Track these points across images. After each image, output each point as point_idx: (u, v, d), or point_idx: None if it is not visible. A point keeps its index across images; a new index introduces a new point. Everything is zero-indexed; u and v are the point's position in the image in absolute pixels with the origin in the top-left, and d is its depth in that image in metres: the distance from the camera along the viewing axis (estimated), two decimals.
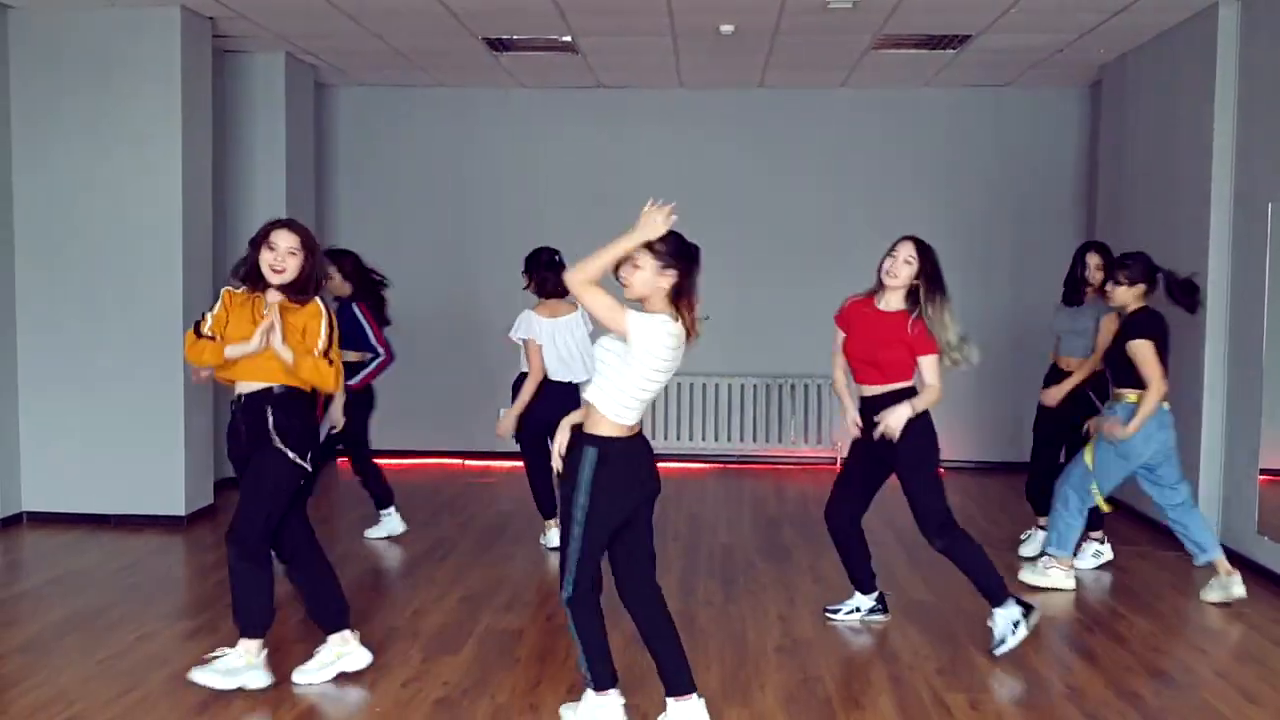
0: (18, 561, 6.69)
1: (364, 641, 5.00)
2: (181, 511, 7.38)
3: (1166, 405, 5.82)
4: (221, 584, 6.10)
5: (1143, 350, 5.69)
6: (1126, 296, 5.88)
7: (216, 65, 8.05)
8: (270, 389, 4.50)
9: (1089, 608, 5.84)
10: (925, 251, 5.01)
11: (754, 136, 9.93)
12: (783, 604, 5.78)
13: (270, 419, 4.48)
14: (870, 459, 5.20)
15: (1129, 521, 7.75)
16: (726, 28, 7.56)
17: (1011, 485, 9.02)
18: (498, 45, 8.27)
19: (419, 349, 9.79)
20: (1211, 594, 5.91)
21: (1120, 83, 8.42)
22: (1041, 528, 6.73)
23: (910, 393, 5.01)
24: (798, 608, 5.74)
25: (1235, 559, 6.65)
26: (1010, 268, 9.73)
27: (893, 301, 5.09)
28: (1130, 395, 5.82)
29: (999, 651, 4.96)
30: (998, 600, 5.02)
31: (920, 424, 4.98)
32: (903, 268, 5.01)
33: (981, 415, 9.67)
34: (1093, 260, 6.51)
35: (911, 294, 5.02)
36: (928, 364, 4.96)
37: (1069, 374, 6.59)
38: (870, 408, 5.10)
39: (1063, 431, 6.71)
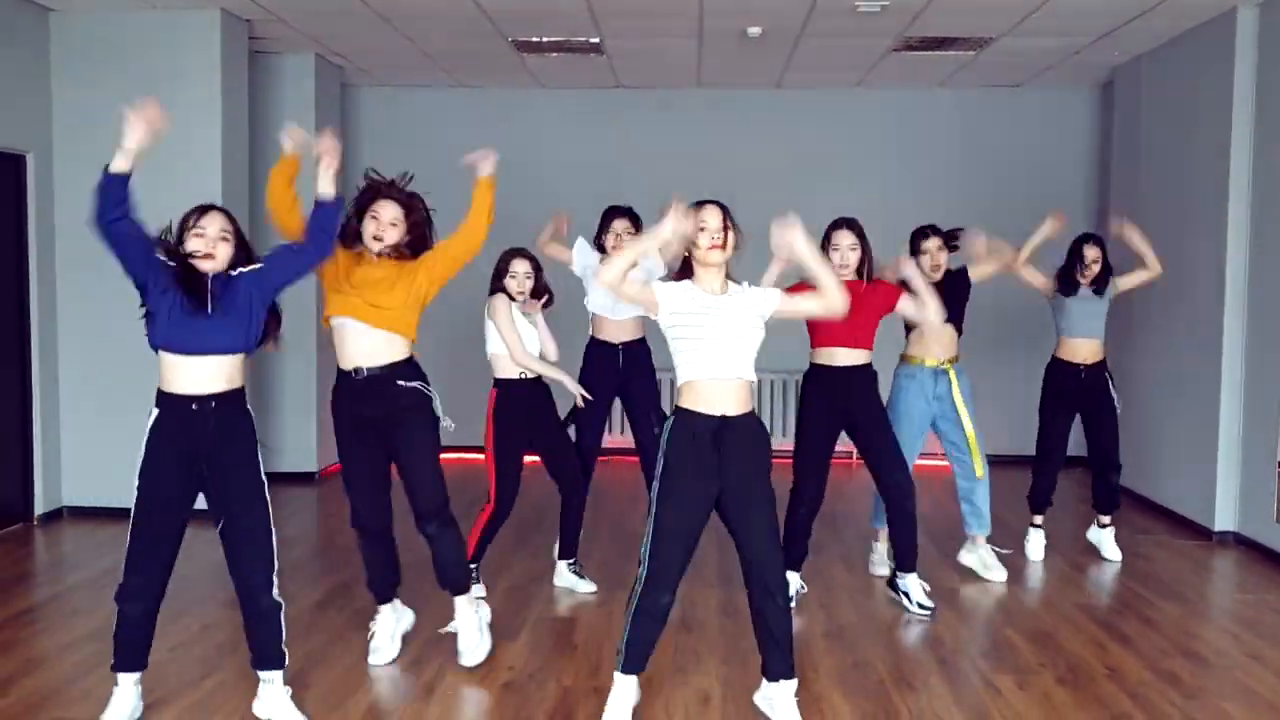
0: (65, 555, 6.82)
1: (421, 629, 5.20)
2: None
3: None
4: (278, 574, 6.25)
5: None
6: None
7: (248, 66, 8.18)
8: (395, 363, 4.59)
9: (1117, 593, 6.03)
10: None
11: (770, 137, 10.10)
12: (821, 591, 5.96)
13: (404, 386, 4.59)
14: None
15: (1143, 509, 7.97)
16: (754, 30, 7.72)
17: (1024, 477, 9.20)
18: (525, 47, 8.43)
19: (443, 345, 9.94)
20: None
21: (1134, 84, 8.61)
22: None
23: None
24: (835, 594, 5.93)
25: (1253, 547, 6.88)
26: None
27: None
28: None
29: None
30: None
31: None
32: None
33: (993, 410, 9.83)
34: (1091, 253, 6.61)
35: None
36: None
37: (1078, 365, 6.58)
38: None
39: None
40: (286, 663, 4.19)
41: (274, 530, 4.17)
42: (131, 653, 4.15)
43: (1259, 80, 6.98)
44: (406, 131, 10.26)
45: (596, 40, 8.21)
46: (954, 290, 6.05)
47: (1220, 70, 7.21)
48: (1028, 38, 7.96)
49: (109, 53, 7.40)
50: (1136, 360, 8.41)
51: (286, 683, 4.22)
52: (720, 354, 3.94)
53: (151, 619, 4.17)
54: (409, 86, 10.15)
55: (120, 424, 7.52)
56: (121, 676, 4.17)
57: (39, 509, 7.35)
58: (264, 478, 4.12)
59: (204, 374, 4.01)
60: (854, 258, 5.45)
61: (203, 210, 4.15)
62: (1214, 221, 7.27)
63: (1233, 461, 7.13)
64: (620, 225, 6.03)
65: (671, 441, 3.98)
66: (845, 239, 5.49)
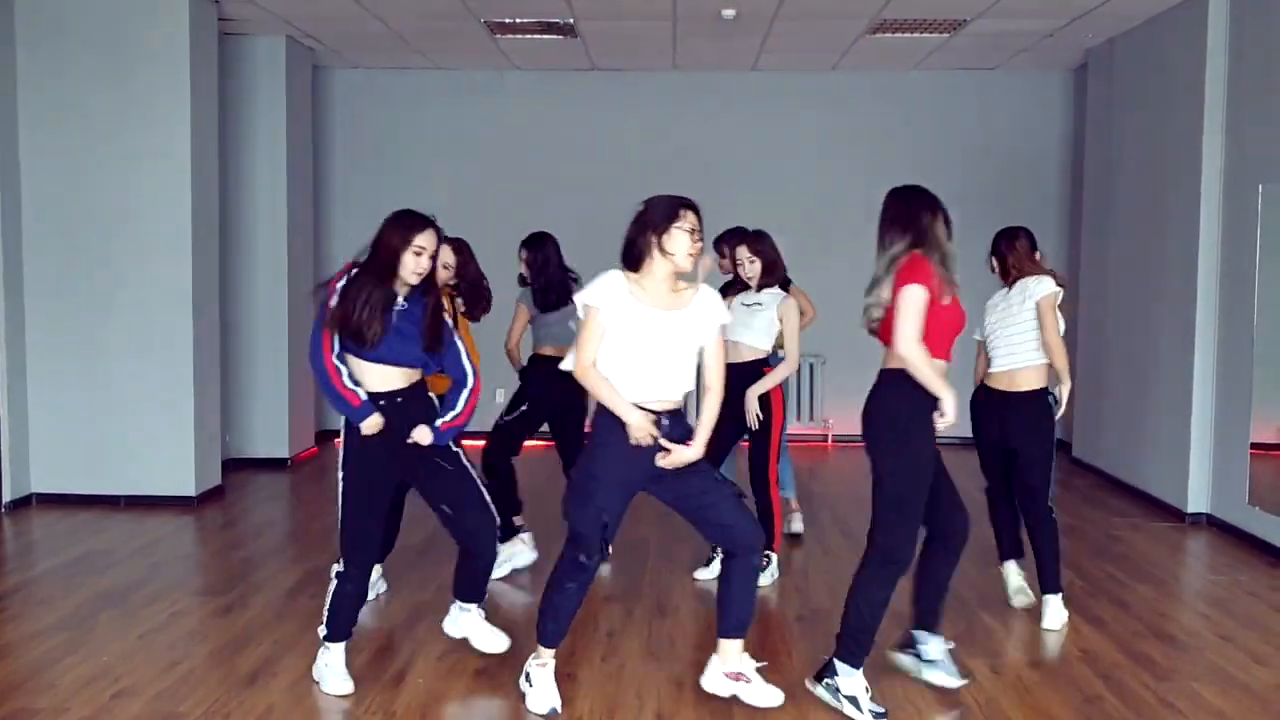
0: (34, 543, 6.74)
1: (393, 616, 5.15)
2: (192, 492, 7.45)
3: None
4: (246, 561, 6.23)
5: None
6: None
7: (219, 48, 8.08)
8: None
9: (1091, 576, 6.03)
10: None
11: (745, 119, 10.07)
12: (797, 576, 5.95)
13: None
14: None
15: (1119, 493, 8.00)
16: (729, 12, 7.68)
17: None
18: (498, 28, 8.35)
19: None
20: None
21: (1107, 67, 8.61)
22: None
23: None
24: (811, 579, 5.92)
25: (1226, 529, 6.92)
26: None
27: None
28: None
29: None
30: None
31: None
32: None
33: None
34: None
35: None
36: None
37: None
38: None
39: None
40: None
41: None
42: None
43: (1230, 62, 6.98)
44: (379, 114, 10.20)
45: (570, 21, 8.15)
46: None
47: (1193, 52, 7.21)
48: (1002, 19, 7.94)
49: (75, 32, 7.29)
50: (1110, 345, 8.42)
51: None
52: None
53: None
54: (382, 69, 10.07)
55: (88, 410, 7.46)
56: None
57: (7, 496, 7.25)
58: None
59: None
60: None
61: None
62: (1187, 205, 7.28)
63: (1205, 445, 7.15)
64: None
65: None
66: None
